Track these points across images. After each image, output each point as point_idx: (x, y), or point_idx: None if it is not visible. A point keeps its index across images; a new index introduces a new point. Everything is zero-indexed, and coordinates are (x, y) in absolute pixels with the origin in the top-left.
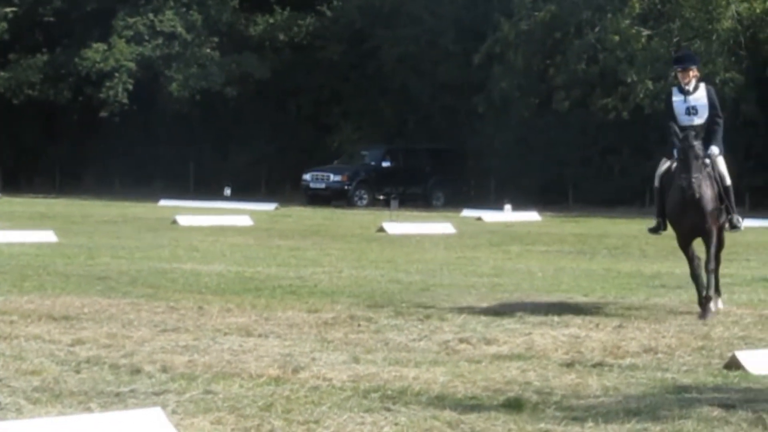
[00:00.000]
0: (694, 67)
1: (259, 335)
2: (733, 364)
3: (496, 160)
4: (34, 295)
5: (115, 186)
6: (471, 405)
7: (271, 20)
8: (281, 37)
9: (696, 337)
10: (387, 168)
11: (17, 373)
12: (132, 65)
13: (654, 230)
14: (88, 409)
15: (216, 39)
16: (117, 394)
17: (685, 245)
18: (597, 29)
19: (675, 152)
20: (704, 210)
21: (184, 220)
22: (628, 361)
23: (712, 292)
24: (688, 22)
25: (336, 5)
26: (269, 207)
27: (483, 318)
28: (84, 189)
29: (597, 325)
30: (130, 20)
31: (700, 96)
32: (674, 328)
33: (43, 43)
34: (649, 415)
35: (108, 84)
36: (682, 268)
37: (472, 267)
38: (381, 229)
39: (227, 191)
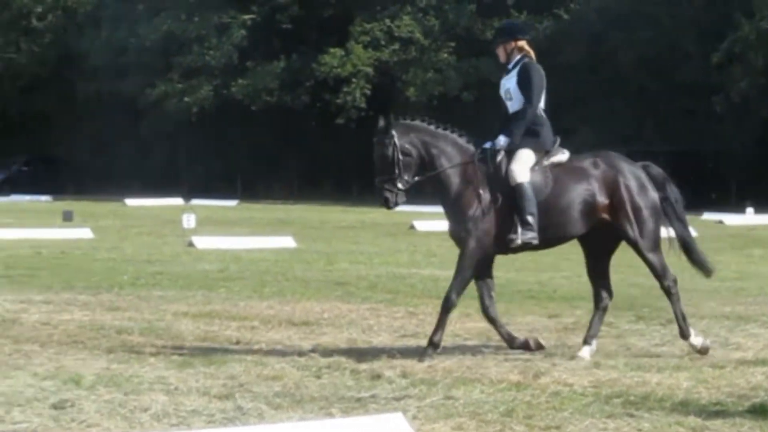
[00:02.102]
0: (511, 41)
1: (499, 340)
2: None
3: (736, 162)
4: (274, 300)
5: (353, 192)
6: (715, 411)
7: None
8: None
9: None
10: None
11: (259, 379)
12: (369, 70)
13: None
14: (330, 415)
15: (453, 44)
16: (358, 400)
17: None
18: None
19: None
20: (454, 217)
21: (421, 225)
22: None
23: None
24: None
25: (573, 8)
26: None
27: (726, 323)
28: (322, 195)
29: None
30: (368, 26)
31: (512, 76)
32: None
33: (280, 49)
34: None
35: (345, 89)
36: None
37: None
38: None
39: None
